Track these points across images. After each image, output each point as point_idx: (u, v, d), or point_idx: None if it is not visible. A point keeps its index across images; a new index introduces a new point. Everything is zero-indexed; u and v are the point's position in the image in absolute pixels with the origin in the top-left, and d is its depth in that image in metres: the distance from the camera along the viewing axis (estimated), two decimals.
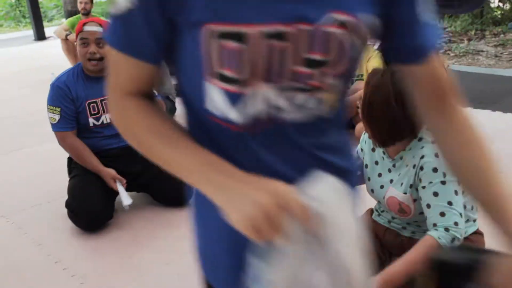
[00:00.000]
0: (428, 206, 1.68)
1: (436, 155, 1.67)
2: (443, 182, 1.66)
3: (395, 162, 1.80)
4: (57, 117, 2.76)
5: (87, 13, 6.50)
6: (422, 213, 1.76)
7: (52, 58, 7.83)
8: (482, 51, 7.12)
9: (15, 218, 2.93)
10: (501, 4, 9.24)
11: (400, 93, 1.63)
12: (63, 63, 6.70)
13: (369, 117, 1.74)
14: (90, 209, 2.65)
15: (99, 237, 2.65)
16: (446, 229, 1.62)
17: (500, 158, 3.26)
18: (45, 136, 4.38)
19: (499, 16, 9.05)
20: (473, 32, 8.24)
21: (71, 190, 2.75)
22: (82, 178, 2.76)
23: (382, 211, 1.98)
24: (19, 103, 5.58)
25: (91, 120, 2.81)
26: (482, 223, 1.95)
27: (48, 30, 10.20)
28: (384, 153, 1.84)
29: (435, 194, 1.67)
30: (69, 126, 2.79)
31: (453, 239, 1.62)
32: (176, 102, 4.71)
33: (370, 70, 3.63)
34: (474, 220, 1.87)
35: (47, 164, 3.69)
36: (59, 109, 2.75)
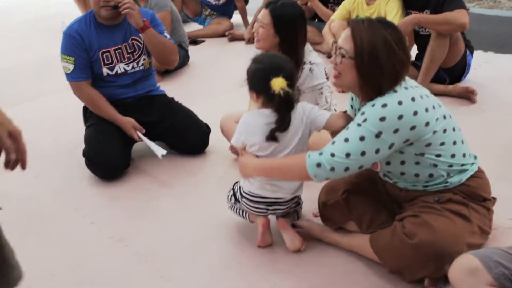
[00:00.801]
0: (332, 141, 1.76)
1: (384, 105, 1.66)
2: (359, 125, 1.69)
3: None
4: (71, 66, 2.70)
5: None
6: (388, 162, 1.81)
7: (62, 6, 7.71)
8: None
9: (35, 166, 2.93)
10: None
11: (398, 37, 1.70)
12: (73, 12, 6.60)
13: (371, 66, 1.68)
14: (107, 159, 2.65)
15: (117, 185, 2.68)
16: (320, 153, 1.72)
17: None
18: (59, 84, 4.35)
19: None
20: None
21: (87, 139, 2.75)
22: (98, 127, 2.76)
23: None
24: (31, 52, 5.52)
25: (105, 70, 2.76)
26: None
27: None
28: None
29: (347, 128, 1.73)
30: (84, 75, 2.74)
31: (319, 164, 1.70)
32: (189, 50, 4.63)
33: (388, 13, 3.53)
34: (469, 165, 1.84)
35: (63, 112, 3.69)
36: (73, 59, 2.69)
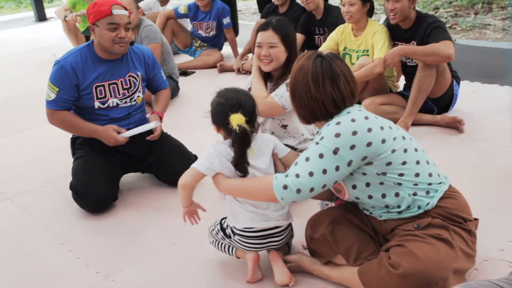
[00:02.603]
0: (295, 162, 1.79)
1: (338, 123, 1.75)
2: (317, 143, 1.76)
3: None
4: (53, 95, 2.66)
5: None
6: (354, 186, 1.84)
7: (54, 39, 7.77)
8: (489, 24, 7.00)
9: (20, 200, 2.92)
10: None
11: (315, 76, 1.79)
12: (65, 44, 6.65)
13: (293, 96, 1.88)
14: (94, 191, 2.62)
15: (105, 218, 2.64)
16: (286, 175, 1.75)
17: (509, 132, 3.25)
18: (44, 116, 4.36)
19: None
20: (479, 6, 8.08)
21: (74, 172, 2.72)
22: (85, 160, 2.73)
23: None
24: (21, 84, 5.53)
25: (97, 103, 2.73)
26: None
27: (49, 11, 10.08)
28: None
29: (307, 148, 1.79)
30: (61, 106, 2.69)
31: (285, 186, 1.72)
32: (179, 81, 4.65)
33: (375, 45, 3.59)
34: (437, 184, 1.85)
35: (51, 145, 3.67)
36: (57, 89, 2.65)
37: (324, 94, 1.79)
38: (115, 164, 2.80)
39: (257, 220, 1.96)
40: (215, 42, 5.74)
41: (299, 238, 2.20)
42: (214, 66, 5.46)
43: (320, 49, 4.00)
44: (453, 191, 1.90)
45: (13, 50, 7.39)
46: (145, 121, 2.96)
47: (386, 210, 1.87)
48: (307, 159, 1.74)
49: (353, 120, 1.75)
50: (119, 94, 2.75)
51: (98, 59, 2.69)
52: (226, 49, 5.82)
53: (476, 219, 1.93)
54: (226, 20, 5.48)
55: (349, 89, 1.82)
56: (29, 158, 3.51)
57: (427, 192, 1.83)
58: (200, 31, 5.63)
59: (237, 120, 1.82)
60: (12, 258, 2.36)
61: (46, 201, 2.87)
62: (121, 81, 2.74)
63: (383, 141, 1.75)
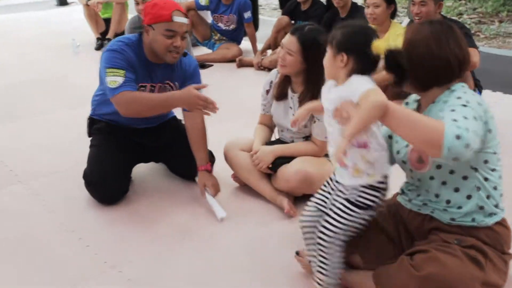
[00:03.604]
0: (442, 117, 1.57)
1: (465, 92, 1.66)
2: (464, 105, 1.60)
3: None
4: (120, 79, 2.39)
5: None
6: (439, 166, 1.73)
7: (74, 23, 7.79)
8: None
9: (33, 184, 2.91)
10: None
11: (437, 35, 1.69)
12: (85, 29, 6.66)
13: (409, 57, 1.68)
14: (105, 186, 2.59)
15: (116, 208, 2.62)
16: (458, 127, 1.49)
17: None
18: (65, 101, 4.38)
19: None
20: (504, 14, 7.95)
21: (89, 161, 2.69)
22: (100, 150, 2.69)
23: (406, 188, 1.93)
24: (39, 67, 5.54)
25: None
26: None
27: None
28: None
29: (453, 110, 1.60)
30: (133, 87, 2.44)
31: (458, 136, 1.45)
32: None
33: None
34: (500, 210, 1.78)
35: (68, 130, 3.67)
36: (123, 72, 2.40)
37: (449, 53, 1.68)
38: (130, 154, 2.76)
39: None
40: (235, 36, 5.70)
41: None
42: (232, 60, 5.43)
43: None
44: (505, 220, 1.82)
45: (33, 32, 7.42)
46: (169, 115, 2.91)
47: (444, 207, 1.78)
48: (466, 117, 1.54)
49: (473, 94, 1.68)
50: None
51: (144, 59, 2.54)
52: (245, 43, 5.78)
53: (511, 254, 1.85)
54: (247, 14, 5.44)
55: (468, 54, 1.73)
56: (44, 143, 3.51)
57: (490, 214, 1.75)
58: (220, 24, 5.60)
59: (383, 46, 1.61)
60: (21, 243, 2.36)
61: (58, 187, 2.87)
62: (159, 86, 2.62)
63: (490, 131, 1.68)
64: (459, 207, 1.76)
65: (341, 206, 1.78)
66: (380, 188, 1.78)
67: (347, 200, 1.77)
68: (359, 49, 1.63)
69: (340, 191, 1.80)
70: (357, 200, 1.76)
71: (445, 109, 1.63)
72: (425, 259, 1.66)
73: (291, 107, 2.58)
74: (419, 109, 1.84)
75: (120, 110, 2.42)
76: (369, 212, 1.79)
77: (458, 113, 1.56)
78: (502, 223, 1.80)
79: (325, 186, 1.94)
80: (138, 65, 2.51)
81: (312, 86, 2.45)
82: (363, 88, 1.58)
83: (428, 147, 1.54)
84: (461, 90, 1.70)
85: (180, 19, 2.43)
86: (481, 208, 1.74)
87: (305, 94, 2.48)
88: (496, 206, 1.77)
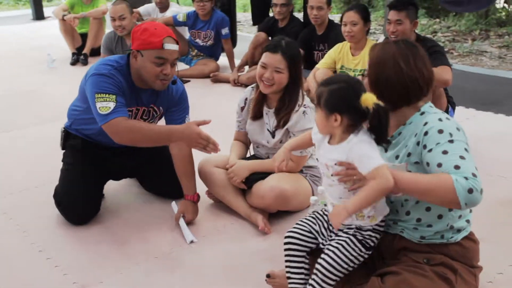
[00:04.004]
0: (439, 165, 1.59)
1: (440, 120, 1.67)
2: (451, 141, 1.61)
3: (392, 139, 1.78)
4: (112, 104, 2.26)
5: None
6: None
7: (50, 38, 7.71)
8: (486, 51, 7.04)
9: (1, 202, 2.83)
10: (506, 5, 9.13)
11: (405, 55, 1.70)
12: (61, 44, 6.60)
13: (376, 80, 1.73)
14: (75, 208, 2.53)
15: (87, 227, 2.56)
16: (465, 178, 1.52)
17: (500, 161, 3.20)
18: (39, 116, 4.30)
19: (504, 17, 8.94)
20: (477, 32, 8.14)
21: (60, 181, 2.62)
22: (72, 170, 2.61)
23: None
24: (13, 82, 5.45)
25: None
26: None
27: (48, 10, 10.04)
28: None
29: (445, 152, 1.60)
30: (126, 113, 2.32)
31: (471, 189, 1.49)
32: None
33: None
34: (468, 224, 1.80)
35: (40, 145, 3.60)
36: (114, 96, 2.28)
37: (417, 71, 1.70)
38: (104, 172, 2.70)
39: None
40: (212, 52, 5.70)
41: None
42: (209, 76, 5.42)
43: (317, 66, 3.99)
44: (473, 234, 1.83)
45: (8, 47, 7.32)
46: None
47: (414, 226, 1.78)
48: (463, 157, 1.57)
49: (447, 118, 1.69)
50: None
51: (131, 84, 2.43)
52: (223, 59, 5.79)
53: (480, 267, 1.86)
54: (225, 31, 5.45)
55: (432, 73, 1.75)
56: (15, 160, 3.43)
57: (459, 230, 1.76)
58: (197, 40, 5.60)
59: (371, 98, 1.60)
60: None
61: (28, 205, 2.79)
62: (144, 110, 2.53)
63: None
64: (429, 226, 1.76)
65: (347, 240, 1.76)
66: (379, 230, 1.80)
67: (354, 236, 1.77)
68: (350, 106, 1.63)
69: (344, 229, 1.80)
70: (363, 239, 1.77)
71: (433, 147, 1.61)
72: (396, 282, 1.66)
73: (266, 123, 2.58)
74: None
75: (114, 137, 2.31)
76: (367, 252, 1.79)
77: (453, 156, 1.57)
78: (470, 237, 1.81)
79: (320, 214, 1.93)
80: (127, 90, 2.40)
81: (289, 99, 2.49)
82: (369, 162, 1.59)
83: (447, 205, 1.64)
84: (432, 113, 1.71)
85: (171, 46, 2.31)
86: (451, 227, 1.75)
87: (281, 109, 2.50)
88: (467, 221, 1.79)
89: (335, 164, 1.69)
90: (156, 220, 2.63)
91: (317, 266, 1.76)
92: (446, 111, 3.42)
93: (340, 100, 1.65)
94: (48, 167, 3.07)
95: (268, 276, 2.05)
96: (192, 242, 2.41)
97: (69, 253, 2.35)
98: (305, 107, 2.49)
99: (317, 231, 1.89)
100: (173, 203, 2.67)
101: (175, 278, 2.17)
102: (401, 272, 1.69)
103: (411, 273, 1.68)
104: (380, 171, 1.58)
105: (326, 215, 1.90)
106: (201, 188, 2.71)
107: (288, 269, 1.90)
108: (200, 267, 2.24)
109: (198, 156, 2.77)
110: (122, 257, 2.32)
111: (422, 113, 1.73)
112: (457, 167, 1.54)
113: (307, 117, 2.47)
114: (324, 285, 1.75)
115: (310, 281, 1.78)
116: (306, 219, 1.94)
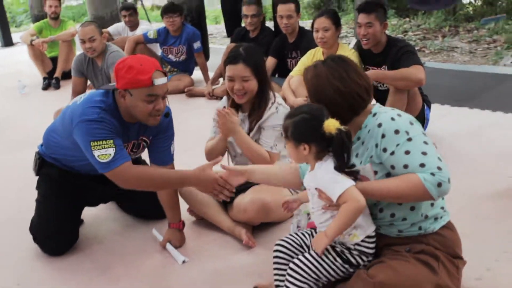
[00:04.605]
0: (406, 166, 1.68)
1: (392, 119, 1.74)
2: (409, 139, 1.69)
3: (352, 144, 1.83)
4: (112, 151, 2.15)
5: (56, 17, 6.30)
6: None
7: (19, 64, 7.59)
8: (457, 47, 7.13)
9: None
10: (472, 0, 9.31)
11: (337, 73, 1.79)
12: (31, 69, 6.49)
13: (323, 102, 1.79)
14: (52, 241, 2.46)
15: (66, 255, 2.48)
16: (432, 174, 1.62)
17: (478, 156, 3.22)
18: (11, 143, 4.20)
19: (472, 12, 9.11)
20: (447, 29, 8.26)
21: (35, 214, 2.54)
22: (46, 202, 2.52)
23: None
24: None
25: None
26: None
27: (16, 36, 9.88)
28: None
29: (407, 152, 1.68)
30: (128, 158, 2.23)
31: (439, 183, 1.61)
32: None
33: None
34: (445, 213, 1.85)
35: (12, 175, 3.51)
36: (111, 141, 2.16)
37: (355, 85, 1.78)
38: (81, 200, 2.62)
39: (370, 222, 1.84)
40: (186, 67, 5.67)
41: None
42: (184, 91, 5.38)
43: (291, 74, 3.98)
44: (451, 224, 1.87)
45: None
46: None
47: (389, 222, 1.81)
48: (425, 153, 1.65)
49: (398, 114, 1.76)
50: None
51: (122, 121, 2.31)
52: (197, 73, 5.76)
53: (464, 260, 1.88)
54: (197, 45, 5.43)
55: (368, 78, 1.85)
56: None
57: (436, 219, 1.80)
58: (170, 56, 5.56)
59: (333, 124, 1.66)
60: None
61: (3, 236, 2.71)
62: (134, 143, 2.44)
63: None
64: (404, 219, 1.80)
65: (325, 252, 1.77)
66: (364, 248, 1.79)
67: (333, 248, 1.79)
68: (315, 135, 1.69)
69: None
70: (342, 252, 1.78)
71: (394, 149, 1.69)
72: (379, 268, 1.71)
73: (243, 127, 2.56)
74: None
75: (120, 184, 2.22)
76: (350, 269, 1.78)
77: (415, 154, 1.66)
78: (448, 226, 1.84)
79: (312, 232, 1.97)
80: (119, 129, 2.28)
81: (260, 101, 2.52)
82: (335, 187, 1.67)
83: (420, 201, 1.75)
84: (383, 113, 1.78)
85: (160, 81, 2.18)
86: (426, 217, 1.79)
87: (253, 110, 2.54)
88: (442, 208, 1.84)
89: (315, 189, 1.76)
90: (138, 243, 2.56)
91: (288, 271, 1.79)
92: (422, 110, 3.44)
93: (305, 130, 1.72)
94: (24, 195, 2.98)
95: None
96: (184, 262, 2.36)
97: (49, 285, 2.28)
98: (278, 104, 2.52)
99: (308, 246, 1.92)
100: (154, 230, 2.60)
101: None
102: (385, 261, 1.75)
103: (393, 260, 1.74)
104: (348, 194, 1.65)
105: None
106: (182, 204, 2.66)
107: (276, 277, 1.91)
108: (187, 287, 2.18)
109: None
110: (106, 284, 2.25)
111: (374, 115, 1.81)
112: (422, 165, 1.64)
113: (279, 114, 2.46)
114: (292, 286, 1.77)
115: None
116: (299, 233, 1.98)
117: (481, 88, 4.95)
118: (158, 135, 2.49)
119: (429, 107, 3.56)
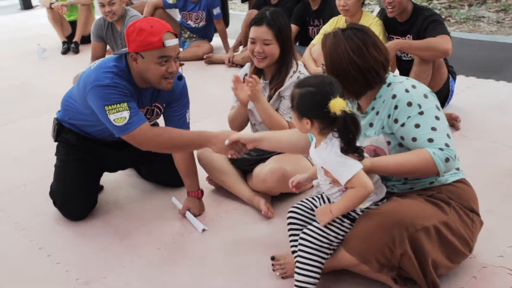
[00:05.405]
0: (414, 139, 1.72)
1: (407, 91, 1.75)
2: (421, 113, 1.71)
3: (367, 115, 1.86)
4: (126, 113, 2.16)
5: None
6: (400, 146, 1.80)
7: (39, 28, 7.57)
8: (484, 17, 6.90)
9: None
10: None
11: (356, 46, 1.75)
12: (50, 33, 6.47)
13: (336, 76, 1.75)
14: (71, 206, 2.49)
15: (86, 220, 2.51)
16: (440, 149, 1.67)
17: (505, 130, 3.15)
18: (31, 108, 4.23)
19: None
20: None
21: (54, 179, 2.56)
22: (65, 167, 2.54)
23: None
24: (4, 74, 5.36)
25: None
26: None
27: None
28: (356, 111, 1.91)
29: (417, 125, 1.71)
30: (143, 118, 2.24)
31: (447, 158, 1.66)
32: None
33: None
34: (458, 169, 1.88)
35: (34, 140, 3.53)
36: (125, 104, 2.17)
37: (372, 60, 1.75)
38: (99, 166, 2.62)
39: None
40: (205, 33, 5.59)
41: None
42: (203, 58, 5.32)
43: (313, 42, 3.90)
44: (468, 182, 1.90)
45: None
46: None
47: (403, 181, 1.86)
48: (434, 128, 1.69)
49: (413, 86, 1.77)
50: None
51: (135, 86, 2.30)
52: (216, 40, 5.68)
53: (481, 220, 1.89)
54: (216, 11, 5.33)
55: (387, 51, 1.82)
56: (10, 154, 3.37)
57: (450, 174, 1.83)
58: (189, 22, 5.48)
59: (340, 104, 1.58)
60: None
61: (25, 201, 2.74)
62: (147, 109, 2.43)
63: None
64: (417, 179, 1.84)
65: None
66: (372, 207, 1.81)
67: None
68: (318, 113, 1.64)
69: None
70: (348, 213, 1.79)
71: (405, 121, 1.72)
72: (386, 203, 1.76)
73: (264, 95, 2.51)
74: (359, 108, 1.91)
75: (139, 147, 2.24)
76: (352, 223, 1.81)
77: (425, 129, 1.69)
78: (463, 181, 1.87)
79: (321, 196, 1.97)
80: (133, 93, 2.28)
81: (281, 68, 2.48)
82: (343, 172, 1.63)
83: (427, 176, 1.78)
84: (398, 83, 1.78)
85: (172, 42, 2.15)
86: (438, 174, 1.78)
87: (274, 77, 2.50)
88: (457, 169, 1.87)
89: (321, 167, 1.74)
90: (157, 211, 2.58)
91: (300, 241, 1.80)
92: (447, 82, 3.35)
93: (308, 106, 1.67)
94: (45, 161, 3.00)
95: (273, 258, 2.06)
96: (204, 230, 2.37)
97: (70, 249, 2.31)
98: (300, 73, 2.47)
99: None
100: (174, 198, 2.61)
101: (179, 269, 2.13)
102: (393, 198, 1.79)
103: (402, 197, 1.79)
104: (356, 180, 1.63)
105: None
106: (201, 174, 2.65)
107: (292, 243, 1.94)
108: (204, 256, 2.19)
109: None
110: (124, 250, 2.28)
111: (389, 85, 1.80)
112: (430, 140, 1.68)
113: None
114: (308, 260, 1.78)
115: (298, 252, 1.81)
116: (308, 197, 2.00)
117: (509, 59, 4.79)
118: (172, 103, 2.46)
119: (454, 78, 3.46)
